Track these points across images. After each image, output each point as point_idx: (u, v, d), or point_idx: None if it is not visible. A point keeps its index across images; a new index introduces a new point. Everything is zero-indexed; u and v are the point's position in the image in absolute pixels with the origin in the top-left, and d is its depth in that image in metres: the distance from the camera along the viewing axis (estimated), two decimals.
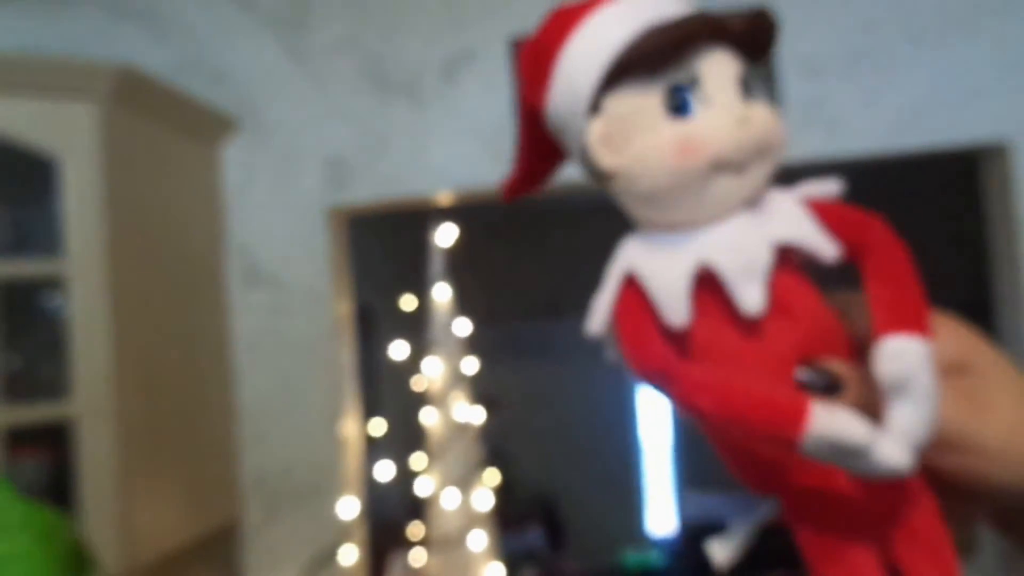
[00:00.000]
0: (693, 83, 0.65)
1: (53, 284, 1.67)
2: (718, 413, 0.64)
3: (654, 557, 4.84)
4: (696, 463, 5.22)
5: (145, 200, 1.80)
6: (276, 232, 2.09)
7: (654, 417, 5.32)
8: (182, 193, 1.97)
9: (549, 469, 4.83)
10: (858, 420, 0.58)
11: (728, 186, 0.65)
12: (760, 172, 0.65)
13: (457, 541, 2.12)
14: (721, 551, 0.66)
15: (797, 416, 0.58)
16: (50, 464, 1.64)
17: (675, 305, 0.64)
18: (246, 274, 2.08)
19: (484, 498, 2.20)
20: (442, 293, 2.28)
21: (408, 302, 2.36)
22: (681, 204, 0.65)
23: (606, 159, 0.69)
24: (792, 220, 0.71)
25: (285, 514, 2.05)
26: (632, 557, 4.79)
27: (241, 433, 2.06)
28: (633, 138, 0.68)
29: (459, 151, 2.04)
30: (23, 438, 1.57)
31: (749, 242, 0.68)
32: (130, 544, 1.62)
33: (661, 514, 5.29)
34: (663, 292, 0.65)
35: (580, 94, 0.66)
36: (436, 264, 2.28)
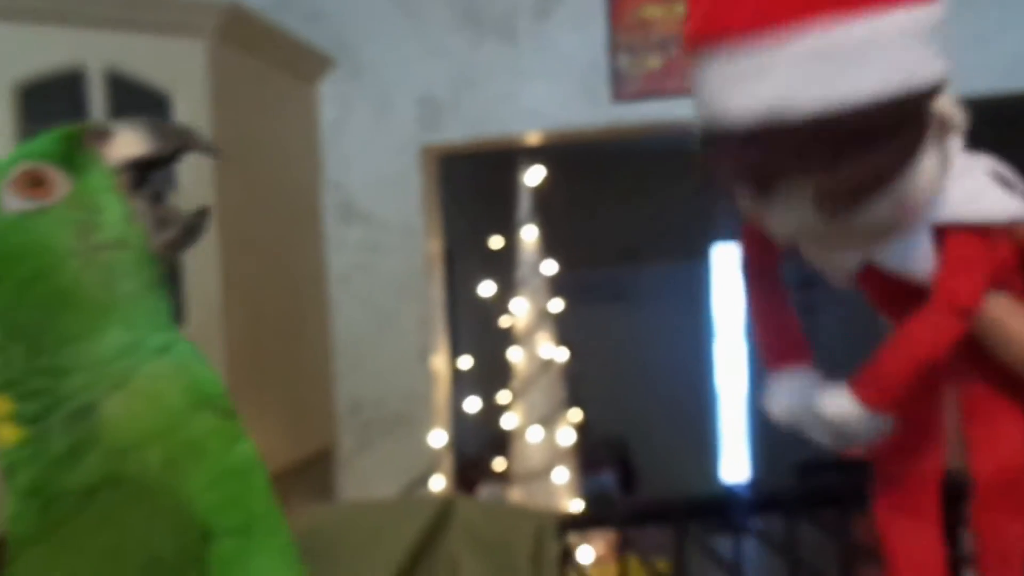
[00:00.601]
0: None
1: None
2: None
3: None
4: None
5: (249, 136, 1.85)
6: (370, 170, 2.13)
7: (731, 364, 5.29)
8: (282, 130, 2.02)
9: (623, 413, 4.86)
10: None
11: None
12: None
13: (540, 476, 2.18)
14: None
15: None
16: None
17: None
18: (341, 211, 2.14)
19: (567, 435, 2.24)
20: (529, 233, 2.30)
21: (495, 241, 2.39)
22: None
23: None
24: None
25: (377, 442, 2.13)
26: None
27: (336, 363, 2.14)
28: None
29: (551, 90, 2.03)
30: None
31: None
32: None
33: (734, 460, 5.29)
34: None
35: None
36: (524, 204, 2.30)
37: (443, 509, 0.80)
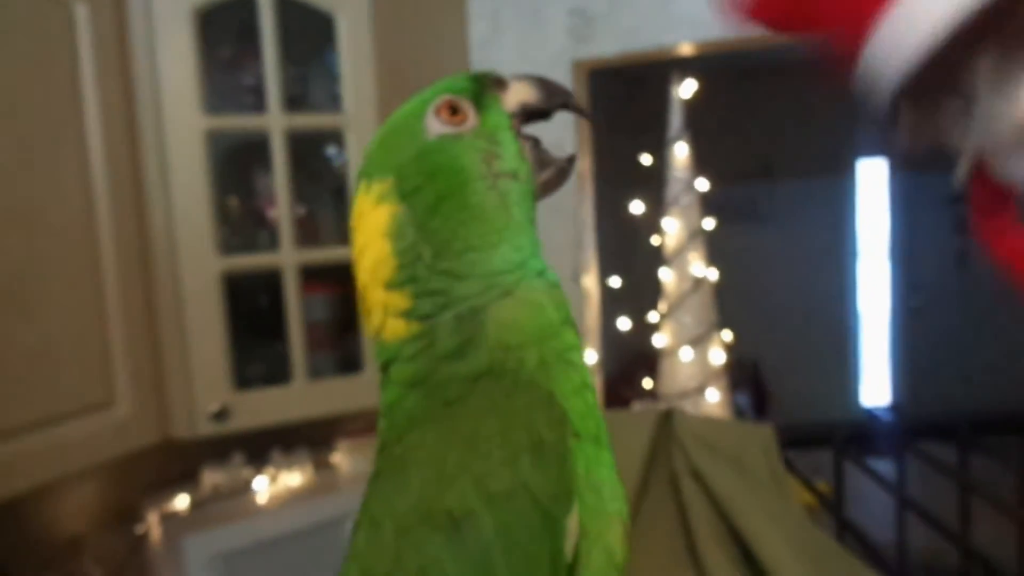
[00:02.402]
0: None
1: (333, 137, 1.80)
2: None
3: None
4: (916, 333, 4.96)
5: (406, 55, 1.86)
6: None
7: (874, 287, 5.06)
8: (436, 48, 2.02)
9: (758, 334, 4.77)
10: None
11: None
12: None
13: (691, 395, 2.17)
14: None
15: None
16: (337, 298, 1.82)
17: None
18: None
19: (717, 355, 2.22)
20: (681, 150, 2.23)
21: (646, 158, 2.34)
22: None
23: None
24: None
25: None
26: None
27: None
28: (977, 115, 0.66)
29: None
30: (314, 275, 1.75)
31: None
32: None
33: (875, 384, 5.12)
34: None
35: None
36: (676, 120, 2.23)
37: (664, 420, 0.81)
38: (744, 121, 4.39)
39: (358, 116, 1.72)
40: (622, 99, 3.02)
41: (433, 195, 0.49)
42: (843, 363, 5.14)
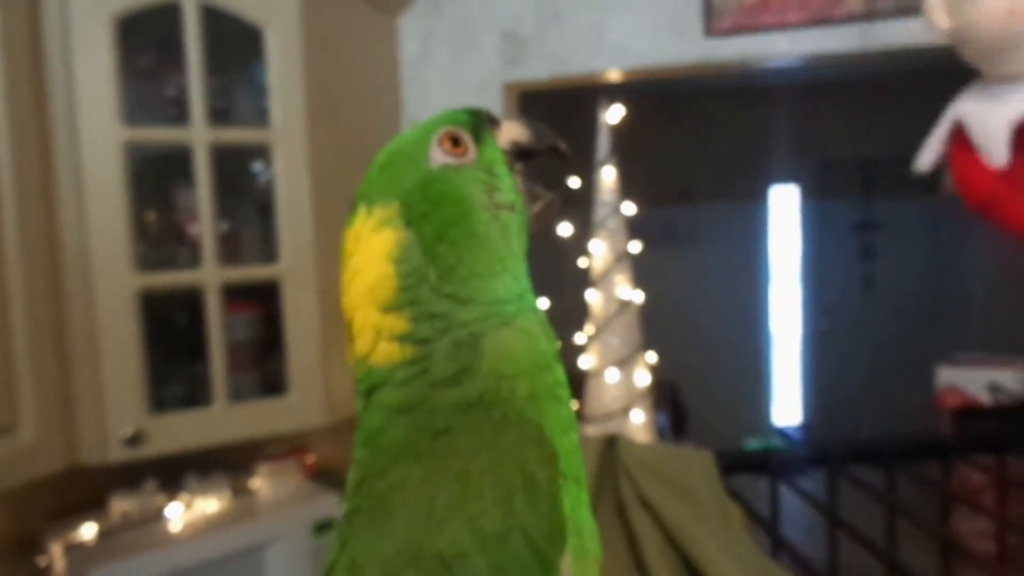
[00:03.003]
0: None
1: (260, 152, 1.75)
2: None
3: (776, 446, 4.87)
4: (825, 354, 5.15)
5: (336, 71, 1.84)
6: (450, 107, 2.10)
7: (786, 310, 5.24)
8: (365, 65, 2.00)
9: (677, 355, 4.86)
10: None
11: None
12: None
13: (616, 417, 2.19)
14: None
15: None
16: (260, 318, 1.77)
17: (995, 148, 0.74)
18: None
19: (642, 377, 2.24)
20: (608, 174, 2.26)
21: (574, 182, 2.35)
22: (1012, 59, 0.71)
23: (943, 22, 0.74)
24: None
25: None
26: (754, 446, 4.83)
27: None
28: (967, 4, 0.73)
29: (640, 24, 1.98)
30: (237, 294, 1.69)
31: None
32: (331, 398, 1.75)
33: (786, 405, 5.28)
34: (985, 137, 0.74)
35: None
36: (604, 144, 2.26)
37: (608, 447, 0.81)
38: (667, 147, 4.50)
39: (286, 131, 1.68)
40: (551, 122, 3.04)
41: (440, 222, 0.49)
42: (756, 384, 5.29)
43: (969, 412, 2.05)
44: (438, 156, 0.51)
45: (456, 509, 0.41)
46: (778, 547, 0.90)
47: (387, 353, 0.49)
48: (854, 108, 4.42)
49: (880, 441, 1.03)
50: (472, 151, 0.52)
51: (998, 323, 3.89)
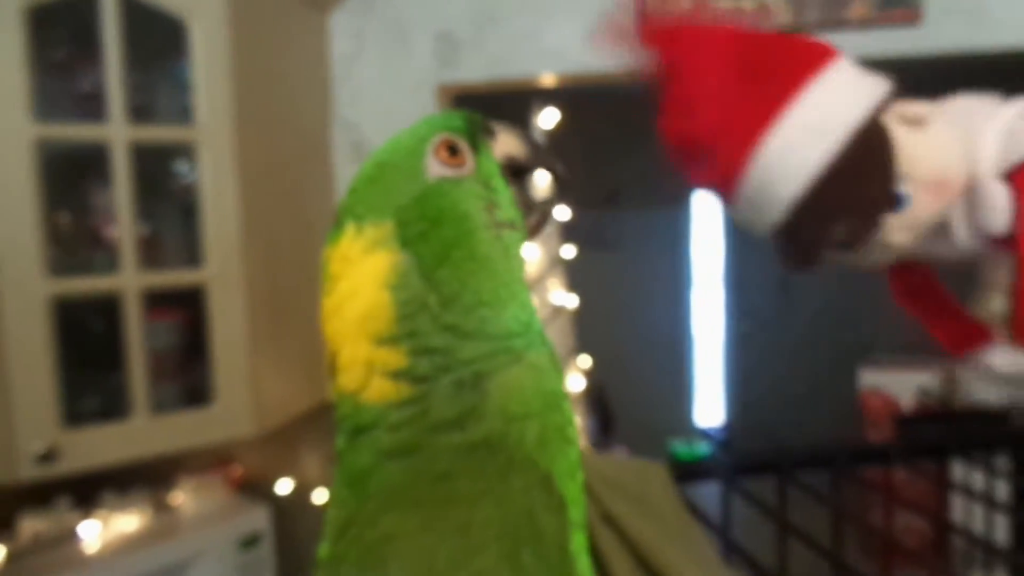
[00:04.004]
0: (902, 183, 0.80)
1: (183, 151, 1.67)
2: None
3: (701, 448, 4.97)
4: (746, 356, 5.28)
5: (265, 67, 1.77)
6: (383, 108, 2.06)
7: (708, 314, 5.35)
8: (295, 62, 1.94)
9: (603, 359, 4.90)
10: None
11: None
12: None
13: None
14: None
15: None
16: (183, 325, 1.68)
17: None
18: (353, 150, 2.07)
19: (576, 382, 2.24)
20: (542, 178, 2.25)
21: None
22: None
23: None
24: None
25: None
26: (679, 447, 4.91)
27: None
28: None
29: (575, 30, 1.97)
30: (158, 301, 1.61)
31: None
32: (259, 407, 1.69)
33: (709, 406, 5.39)
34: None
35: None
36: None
37: None
38: (596, 152, 4.53)
39: (212, 130, 1.61)
40: None
41: (440, 242, 0.44)
42: (679, 386, 5.39)
43: (909, 419, 2.13)
44: (434, 167, 0.46)
45: (459, 564, 0.37)
46: (730, 552, 0.91)
47: (380, 391, 0.43)
48: None
49: (829, 447, 1.05)
50: (470, 162, 0.47)
51: (913, 325, 4.05)
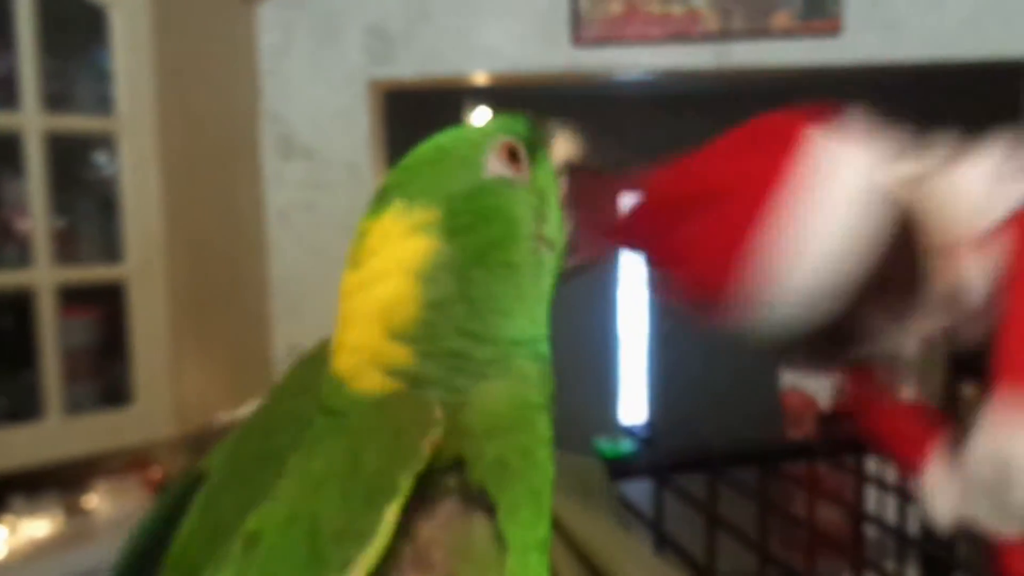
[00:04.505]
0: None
1: (102, 142, 1.60)
2: None
3: (626, 445, 5.05)
4: (669, 356, 5.39)
5: (189, 58, 1.72)
6: (312, 103, 2.02)
7: (632, 310, 5.43)
8: (221, 53, 1.88)
9: None
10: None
11: None
12: None
13: None
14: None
15: None
16: (101, 322, 1.62)
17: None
18: (281, 144, 2.02)
19: None
20: None
21: None
22: None
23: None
24: None
25: None
26: (605, 445, 4.98)
27: (274, 305, 2.05)
28: None
29: (509, 30, 1.98)
30: (73, 297, 1.55)
31: None
32: (180, 407, 1.64)
33: (632, 404, 5.49)
34: None
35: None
36: None
37: None
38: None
39: (133, 120, 1.55)
40: (418, 122, 3.00)
41: (484, 239, 0.43)
42: (604, 384, 5.46)
43: (831, 416, 2.21)
44: (494, 166, 0.44)
45: (279, 488, 0.38)
46: (662, 545, 0.93)
47: (372, 383, 0.41)
48: (705, 124, 4.65)
49: (756, 445, 1.09)
50: (527, 170, 0.46)
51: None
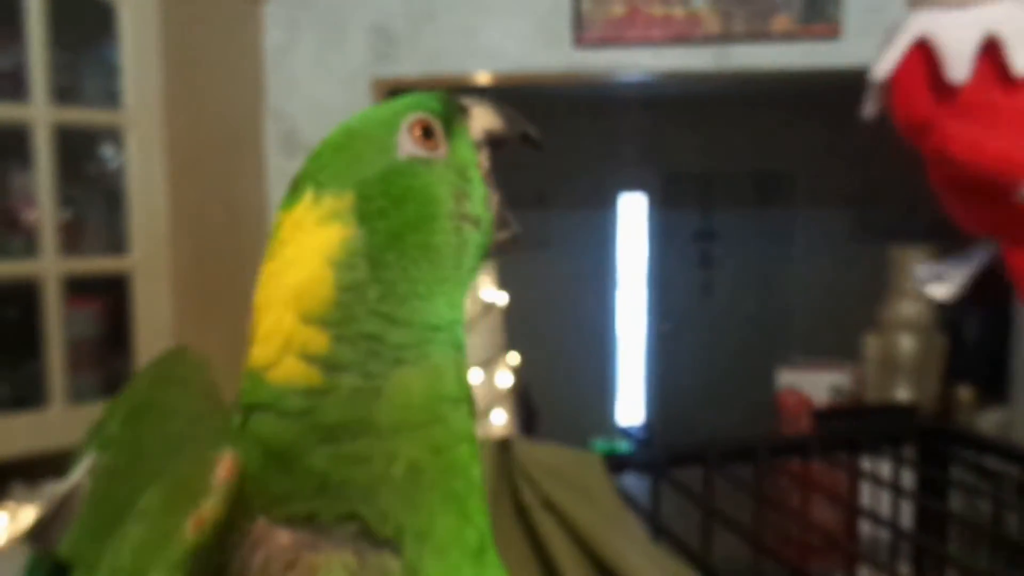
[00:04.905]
0: None
1: (109, 135, 1.62)
2: (965, 160, 0.82)
3: (622, 446, 5.07)
4: (666, 357, 5.41)
5: (196, 54, 1.74)
6: (316, 99, 2.04)
7: (631, 314, 5.45)
8: (227, 50, 1.90)
9: (526, 355, 4.95)
10: None
11: None
12: None
13: (479, 418, 2.20)
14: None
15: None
16: (104, 313, 1.64)
17: (960, 62, 0.78)
18: (284, 141, 2.04)
19: (505, 378, 2.27)
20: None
21: None
22: None
23: None
24: None
25: None
26: (600, 446, 4.99)
27: None
28: None
29: (511, 30, 2.00)
30: (77, 288, 1.56)
31: None
32: None
33: (630, 405, 5.50)
34: (952, 51, 0.77)
35: None
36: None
37: (502, 451, 0.81)
38: (524, 151, 4.56)
39: (140, 114, 1.57)
40: None
41: (399, 223, 0.42)
42: (602, 384, 5.47)
43: (825, 413, 2.23)
44: (406, 145, 0.43)
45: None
46: (659, 535, 0.95)
47: (289, 372, 0.40)
48: (701, 124, 4.68)
49: (751, 441, 1.11)
50: (443, 146, 0.45)
51: (823, 328, 4.22)
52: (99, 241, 1.65)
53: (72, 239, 1.59)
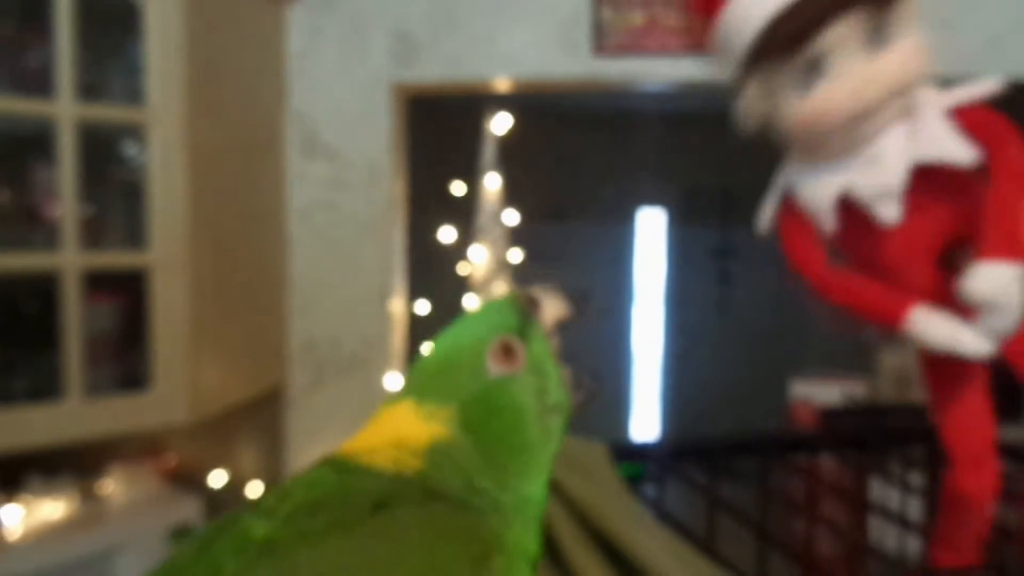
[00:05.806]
0: (820, 58, 0.82)
1: (133, 132, 1.65)
2: (843, 304, 0.89)
3: (637, 468, 5.03)
4: (681, 374, 5.38)
5: (219, 56, 1.76)
6: (337, 103, 2.06)
7: (647, 331, 5.43)
8: (250, 53, 1.93)
9: None
10: (946, 323, 0.76)
11: (867, 126, 0.80)
12: (899, 102, 0.79)
13: None
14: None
15: (897, 315, 0.82)
16: (122, 308, 1.66)
17: (823, 219, 0.84)
18: (304, 144, 2.07)
19: None
20: (492, 182, 2.29)
21: (458, 187, 2.36)
22: (827, 146, 0.81)
23: (753, 123, 0.85)
24: (933, 136, 0.83)
25: (330, 382, 2.10)
26: (626, 468, 4.96)
27: (291, 300, 2.08)
28: (776, 107, 0.84)
29: (531, 37, 2.01)
30: (96, 282, 1.59)
31: (888, 167, 0.84)
32: (196, 394, 1.67)
33: (645, 422, 5.47)
34: (814, 209, 0.84)
35: (735, 55, 0.86)
36: (488, 152, 2.28)
37: None
38: (544, 162, 4.59)
39: (163, 112, 1.60)
40: (440, 126, 3.05)
41: (498, 431, 0.49)
42: (617, 401, 5.45)
43: (831, 412, 2.22)
44: (493, 368, 0.50)
45: None
46: (663, 522, 0.95)
47: (388, 459, 0.47)
48: (720, 138, 4.68)
49: (758, 436, 1.11)
50: (521, 356, 0.51)
51: (837, 346, 4.19)
52: (119, 237, 1.67)
53: (93, 234, 1.61)
